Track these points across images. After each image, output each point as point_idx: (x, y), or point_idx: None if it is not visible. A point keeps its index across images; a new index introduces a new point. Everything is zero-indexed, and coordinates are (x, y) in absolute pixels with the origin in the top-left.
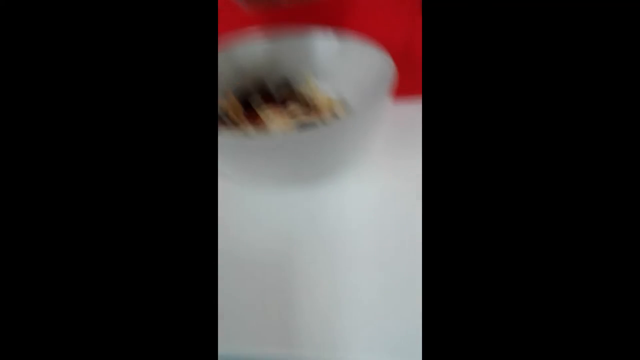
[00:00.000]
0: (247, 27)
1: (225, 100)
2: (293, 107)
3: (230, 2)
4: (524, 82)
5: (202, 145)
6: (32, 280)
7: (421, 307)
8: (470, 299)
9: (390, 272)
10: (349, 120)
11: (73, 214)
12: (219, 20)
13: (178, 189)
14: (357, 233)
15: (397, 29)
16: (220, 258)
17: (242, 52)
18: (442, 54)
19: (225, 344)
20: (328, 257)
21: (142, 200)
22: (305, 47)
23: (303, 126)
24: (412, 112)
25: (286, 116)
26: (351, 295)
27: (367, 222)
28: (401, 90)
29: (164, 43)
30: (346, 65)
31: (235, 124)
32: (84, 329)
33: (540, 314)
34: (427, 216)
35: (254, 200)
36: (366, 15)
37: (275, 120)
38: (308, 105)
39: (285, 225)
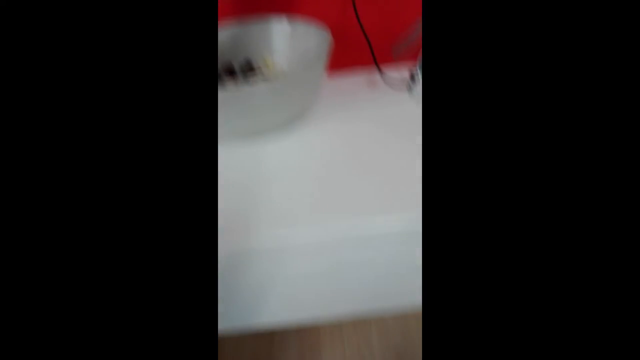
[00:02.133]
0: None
1: None
2: (253, 77)
3: None
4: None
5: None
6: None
7: None
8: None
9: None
10: (295, 76)
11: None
12: None
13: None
14: (306, 167)
15: (332, 13)
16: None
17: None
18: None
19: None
20: (284, 180)
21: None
22: (263, 30)
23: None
24: (347, 84)
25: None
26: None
27: (315, 160)
28: (335, 64)
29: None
30: (294, 42)
31: None
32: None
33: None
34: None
35: (232, 148)
36: (310, 3)
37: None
38: (264, 75)
39: (259, 163)
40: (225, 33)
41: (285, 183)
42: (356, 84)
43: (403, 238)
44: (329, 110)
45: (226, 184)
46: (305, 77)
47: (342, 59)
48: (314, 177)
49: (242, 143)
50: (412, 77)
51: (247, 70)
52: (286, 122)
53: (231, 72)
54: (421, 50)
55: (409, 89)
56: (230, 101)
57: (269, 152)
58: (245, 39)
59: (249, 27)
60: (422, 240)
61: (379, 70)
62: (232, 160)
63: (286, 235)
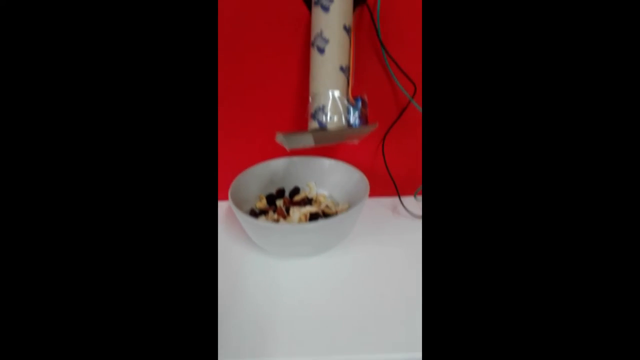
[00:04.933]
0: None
1: (259, 201)
2: (303, 204)
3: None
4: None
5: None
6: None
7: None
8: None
9: (376, 303)
10: (339, 217)
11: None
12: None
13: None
14: (346, 284)
15: (366, 155)
16: (262, 302)
17: (272, 167)
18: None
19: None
20: (327, 296)
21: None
22: (310, 165)
23: (312, 217)
24: (379, 206)
25: (300, 210)
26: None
27: (353, 278)
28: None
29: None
30: (335, 177)
31: (265, 214)
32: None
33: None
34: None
35: (277, 265)
36: (348, 149)
37: (293, 213)
38: (311, 201)
39: (298, 279)
40: (280, 165)
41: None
42: (382, 207)
43: None
44: (362, 233)
45: (249, 292)
46: (349, 217)
47: (371, 190)
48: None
49: (280, 260)
50: None
51: (294, 193)
52: (327, 249)
53: (281, 194)
54: None
55: None
56: (280, 232)
57: (301, 272)
58: (294, 171)
59: (299, 162)
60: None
61: (401, 202)
62: (265, 273)
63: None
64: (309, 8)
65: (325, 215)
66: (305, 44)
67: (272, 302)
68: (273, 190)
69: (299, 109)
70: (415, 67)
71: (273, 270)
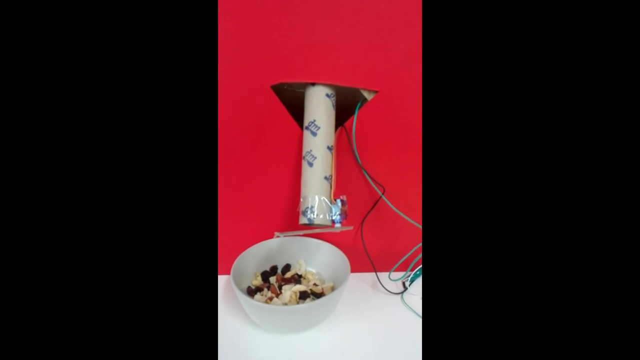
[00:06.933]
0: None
1: (255, 279)
2: (293, 282)
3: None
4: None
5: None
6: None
7: None
8: None
9: None
10: (324, 299)
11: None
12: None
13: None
14: (334, 356)
15: (348, 236)
16: None
17: (268, 245)
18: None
19: None
20: None
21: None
22: (300, 244)
23: (302, 296)
24: (360, 282)
25: (291, 288)
26: None
27: (340, 351)
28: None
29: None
30: (321, 256)
31: (260, 291)
32: None
33: None
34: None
35: (272, 340)
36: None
37: (285, 291)
38: (300, 277)
39: (289, 353)
40: (275, 244)
41: None
42: (363, 283)
43: None
44: (346, 308)
45: None
46: (333, 298)
47: (352, 266)
48: None
49: (272, 335)
50: (404, 285)
51: (286, 270)
52: (310, 327)
53: (277, 274)
54: (410, 267)
55: (402, 297)
56: (271, 313)
57: (292, 346)
58: (287, 250)
59: (290, 241)
60: None
61: (379, 279)
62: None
63: None
64: (302, 129)
65: (313, 293)
66: (298, 151)
67: None
68: (268, 266)
69: (291, 202)
70: (383, 169)
71: (266, 344)
